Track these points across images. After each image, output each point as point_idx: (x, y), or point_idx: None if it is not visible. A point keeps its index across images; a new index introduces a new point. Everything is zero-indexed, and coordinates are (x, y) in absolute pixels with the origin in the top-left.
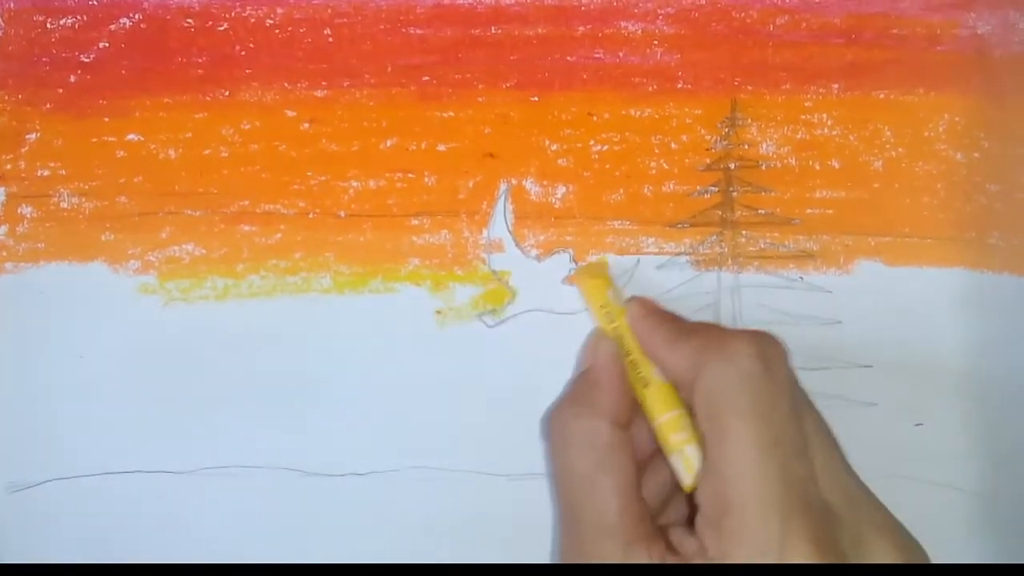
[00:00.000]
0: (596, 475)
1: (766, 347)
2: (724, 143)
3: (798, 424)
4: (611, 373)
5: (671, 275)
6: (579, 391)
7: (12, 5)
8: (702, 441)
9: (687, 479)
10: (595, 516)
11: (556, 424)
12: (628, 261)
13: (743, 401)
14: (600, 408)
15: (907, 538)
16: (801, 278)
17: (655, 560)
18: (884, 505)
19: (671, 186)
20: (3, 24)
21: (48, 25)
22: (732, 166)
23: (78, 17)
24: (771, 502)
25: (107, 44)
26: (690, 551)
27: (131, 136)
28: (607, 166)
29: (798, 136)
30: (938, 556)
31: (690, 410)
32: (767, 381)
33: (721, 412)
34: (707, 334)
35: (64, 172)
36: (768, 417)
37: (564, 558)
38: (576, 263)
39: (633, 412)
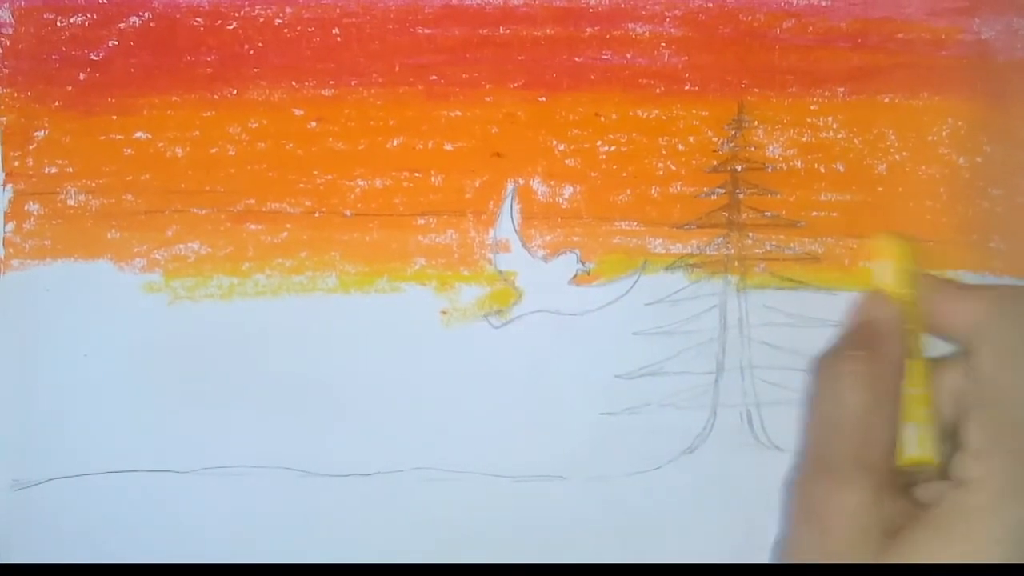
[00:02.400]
0: (870, 414)
1: None
2: (731, 145)
3: None
4: (892, 328)
5: (677, 276)
6: (859, 337)
7: (23, 3)
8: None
9: (912, 451)
10: (856, 452)
11: (832, 361)
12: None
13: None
14: (880, 354)
15: None
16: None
17: (894, 512)
18: None
19: (678, 187)
20: (13, 22)
21: (58, 23)
22: (738, 168)
23: (88, 15)
24: None
25: (116, 42)
26: (932, 497)
27: (139, 134)
28: (614, 167)
29: (804, 139)
30: None
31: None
32: None
33: (1005, 357)
34: (993, 293)
35: (71, 169)
36: None
37: (799, 499)
38: (583, 264)
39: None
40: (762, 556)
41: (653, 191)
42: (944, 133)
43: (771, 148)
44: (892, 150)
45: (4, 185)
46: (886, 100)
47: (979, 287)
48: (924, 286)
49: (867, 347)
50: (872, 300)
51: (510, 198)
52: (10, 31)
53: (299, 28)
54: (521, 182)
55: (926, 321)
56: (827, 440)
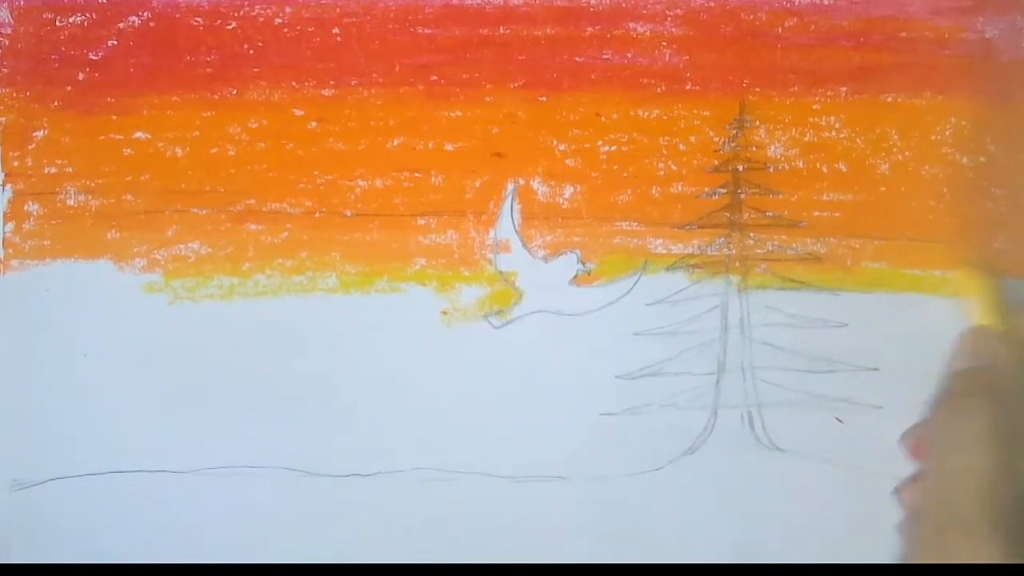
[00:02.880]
0: (996, 474)
1: None
2: (732, 145)
3: None
4: (1008, 370)
5: (679, 276)
6: (977, 386)
7: (22, 3)
8: None
9: None
10: (987, 507)
11: (952, 409)
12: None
13: None
14: (999, 396)
15: None
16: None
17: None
18: None
19: (679, 187)
20: (12, 21)
21: (57, 23)
22: (740, 168)
23: (87, 15)
24: None
25: (116, 42)
26: None
27: (138, 134)
28: (615, 167)
29: (806, 138)
30: None
31: None
32: None
33: None
34: None
35: (71, 170)
36: None
37: (922, 555)
38: (583, 264)
39: None
40: (762, 556)
41: (654, 191)
42: (947, 132)
43: (773, 148)
44: (895, 150)
45: (4, 185)
46: (889, 99)
47: None
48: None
49: (985, 390)
50: (983, 339)
51: (510, 198)
52: (9, 31)
53: (299, 28)
54: (521, 182)
55: None
56: (954, 493)
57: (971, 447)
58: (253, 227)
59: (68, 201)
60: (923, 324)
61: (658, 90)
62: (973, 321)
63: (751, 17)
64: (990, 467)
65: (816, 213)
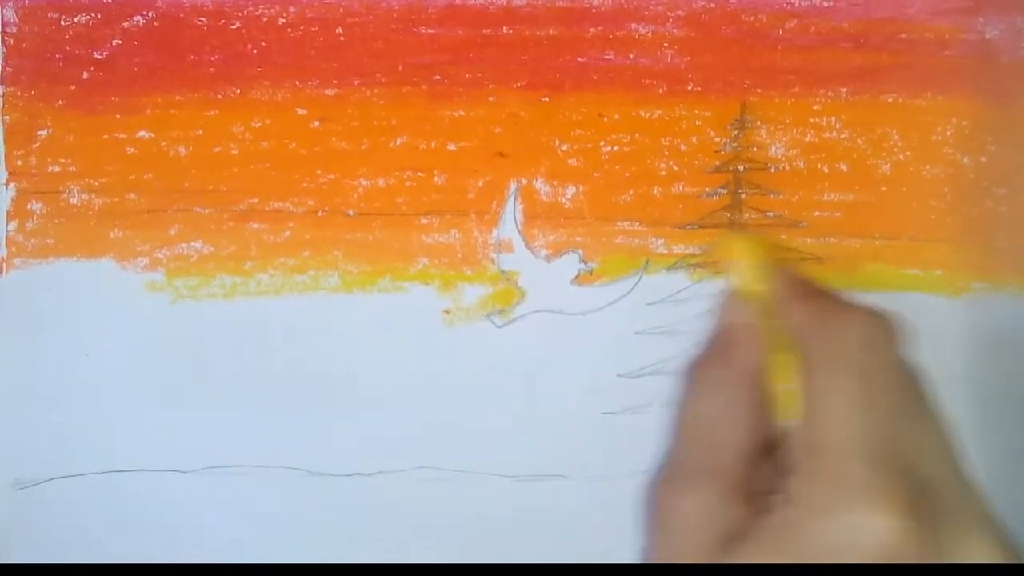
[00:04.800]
0: (719, 420)
1: (875, 328)
2: (733, 145)
3: (900, 402)
4: (749, 331)
5: (680, 276)
6: (715, 343)
7: (27, 2)
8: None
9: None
10: (703, 458)
11: (688, 369)
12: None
13: (841, 365)
14: (733, 358)
15: (1014, 549)
16: None
17: (735, 520)
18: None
19: (680, 187)
20: (18, 21)
21: (62, 22)
22: (741, 168)
23: (92, 15)
24: (858, 450)
25: (120, 42)
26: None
27: (142, 133)
28: (617, 167)
29: (807, 139)
30: None
31: None
32: (868, 354)
33: (820, 372)
34: (828, 302)
35: (74, 168)
36: (866, 383)
37: (648, 506)
38: (585, 264)
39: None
40: None
41: (655, 191)
42: (948, 133)
43: (774, 148)
44: (895, 150)
45: (7, 184)
46: (889, 100)
47: (821, 291)
48: (780, 281)
49: (721, 352)
50: (733, 301)
51: (513, 198)
52: (14, 30)
53: (302, 28)
54: (524, 182)
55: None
56: (678, 447)
57: (695, 406)
58: (256, 226)
59: (71, 200)
60: (924, 324)
61: (660, 91)
62: (732, 285)
63: (752, 19)
64: (710, 423)
65: (817, 213)
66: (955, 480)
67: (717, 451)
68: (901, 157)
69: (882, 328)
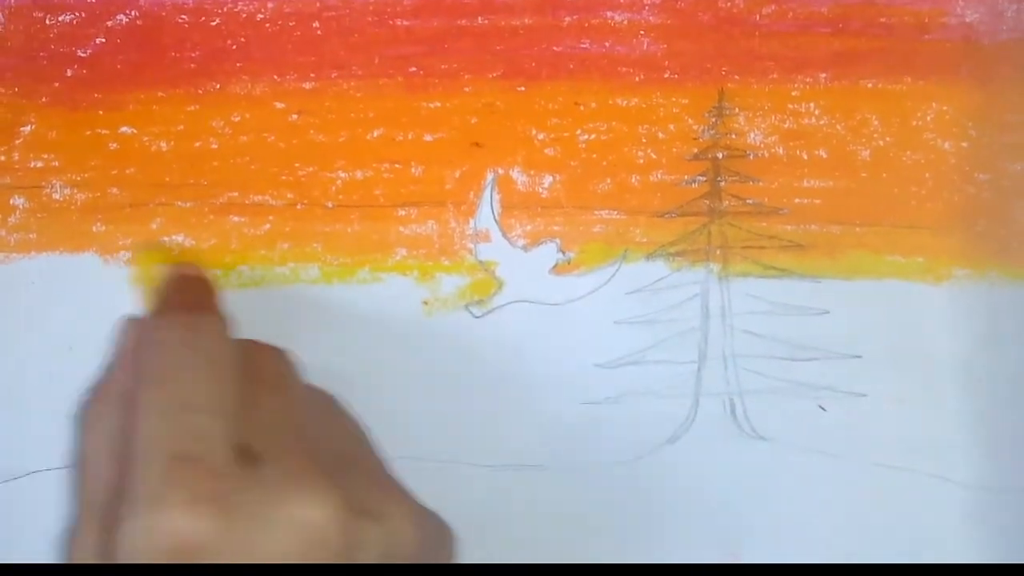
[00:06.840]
0: (95, 454)
1: (191, 329)
2: (711, 132)
3: (211, 394)
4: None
5: (659, 265)
6: (104, 378)
7: (12, 2)
8: None
9: None
10: (90, 495)
11: (83, 412)
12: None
13: (149, 375)
14: (113, 392)
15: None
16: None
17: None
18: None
19: (658, 175)
20: (3, 19)
21: (47, 21)
22: (720, 155)
23: (76, 14)
24: (157, 450)
25: (104, 40)
26: None
27: (124, 128)
28: (594, 155)
29: (785, 125)
30: (928, 546)
31: None
32: (177, 356)
33: (141, 387)
34: (163, 314)
35: (57, 164)
36: (166, 385)
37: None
38: (563, 253)
39: None
40: (744, 545)
41: (633, 179)
42: (928, 118)
43: (752, 135)
44: (875, 136)
45: None
46: (869, 85)
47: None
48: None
49: (107, 388)
50: (123, 325)
51: (490, 188)
52: (0, 29)
53: (280, 23)
54: (501, 172)
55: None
56: (72, 492)
57: (77, 445)
58: (236, 219)
59: (54, 195)
60: (906, 311)
61: (636, 79)
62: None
63: (728, 5)
64: (87, 460)
65: (797, 200)
66: (279, 447)
67: (96, 486)
68: (881, 143)
69: (203, 326)
